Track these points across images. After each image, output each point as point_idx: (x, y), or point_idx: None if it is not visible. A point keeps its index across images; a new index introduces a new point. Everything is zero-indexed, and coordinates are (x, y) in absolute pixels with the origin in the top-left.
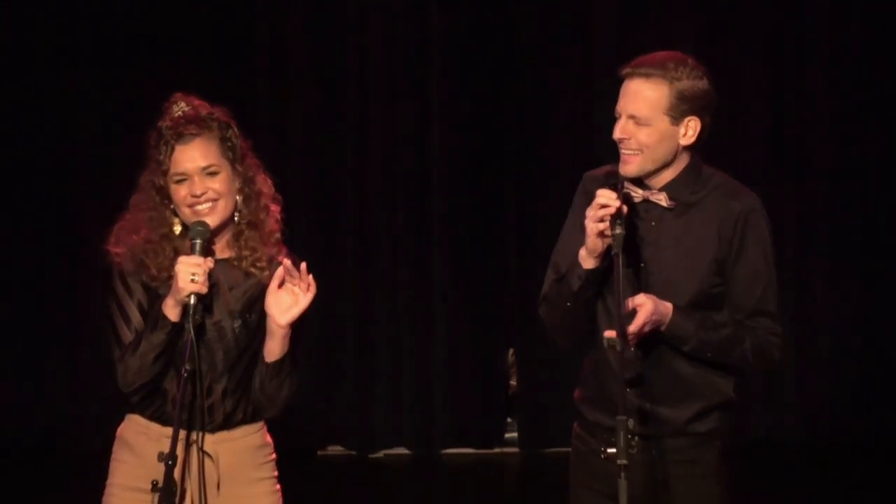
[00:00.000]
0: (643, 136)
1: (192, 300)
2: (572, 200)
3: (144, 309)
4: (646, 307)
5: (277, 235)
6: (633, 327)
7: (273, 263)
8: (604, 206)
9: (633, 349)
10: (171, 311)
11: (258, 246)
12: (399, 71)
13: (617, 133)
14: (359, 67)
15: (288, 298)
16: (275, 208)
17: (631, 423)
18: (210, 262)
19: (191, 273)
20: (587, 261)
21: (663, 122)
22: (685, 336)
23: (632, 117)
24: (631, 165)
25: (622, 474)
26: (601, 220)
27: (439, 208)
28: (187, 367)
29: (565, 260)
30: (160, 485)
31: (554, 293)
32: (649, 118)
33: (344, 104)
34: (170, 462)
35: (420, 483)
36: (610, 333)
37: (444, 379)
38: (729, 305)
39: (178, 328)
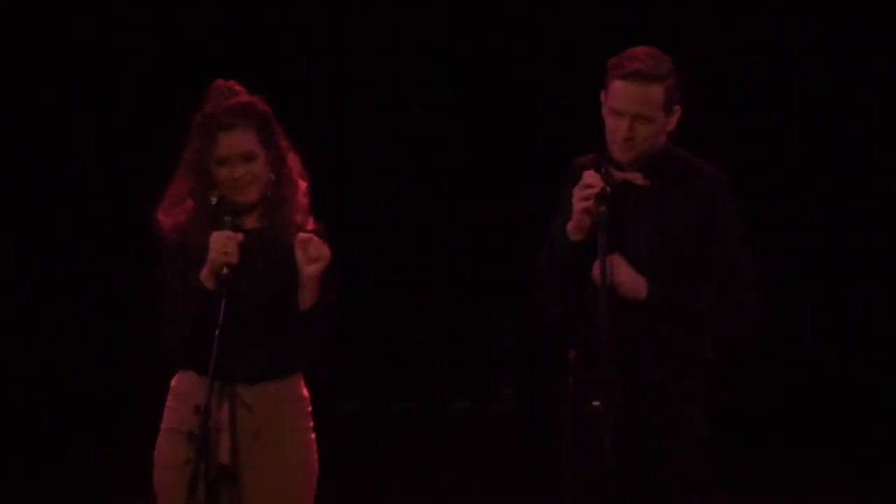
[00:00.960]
0: (648, 132)
1: (225, 270)
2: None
3: (184, 276)
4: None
5: (305, 206)
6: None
7: (301, 230)
8: (589, 186)
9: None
10: (208, 280)
11: (287, 217)
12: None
13: (625, 133)
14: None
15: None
16: (303, 184)
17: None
18: (240, 236)
19: (223, 246)
20: (574, 234)
21: (662, 118)
22: (661, 302)
23: (639, 117)
24: (633, 153)
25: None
26: (586, 198)
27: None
28: (221, 327)
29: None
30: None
31: (546, 262)
32: (653, 117)
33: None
34: (203, 413)
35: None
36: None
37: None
38: (705, 273)
39: (213, 294)
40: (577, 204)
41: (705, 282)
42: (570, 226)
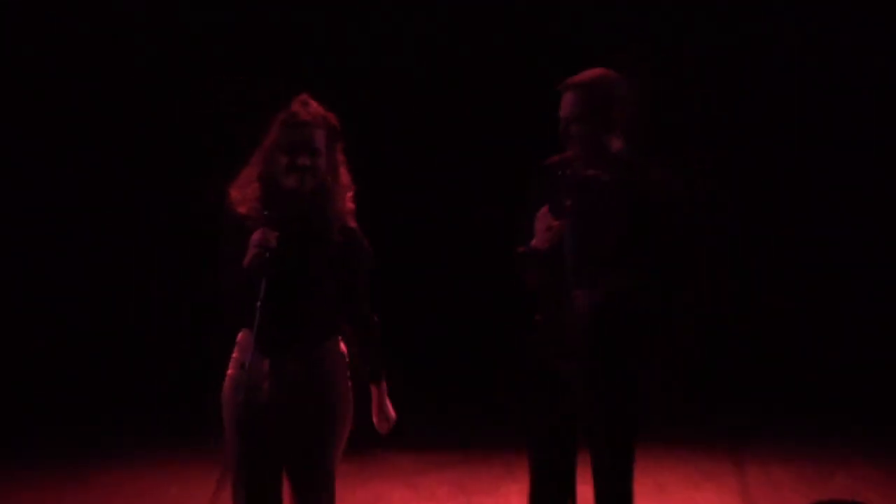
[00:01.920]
0: (583, 131)
1: (267, 254)
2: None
3: (240, 247)
4: None
5: (350, 210)
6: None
7: (344, 229)
8: (549, 229)
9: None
10: (250, 264)
11: (332, 215)
12: None
13: (561, 132)
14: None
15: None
16: (350, 194)
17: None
18: (276, 233)
19: (265, 239)
20: (539, 244)
21: (595, 120)
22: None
23: (572, 119)
24: (576, 149)
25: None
26: (548, 238)
27: None
28: (263, 300)
29: (529, 228)
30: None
31: (521, 257)
32: (586, 118)
33: None
34: (248, 370)
35: None
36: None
37: None
38: (644, 255)
39: (256, 273)
40: (541, 235)
41: (650, 264)
42: (534, 241)
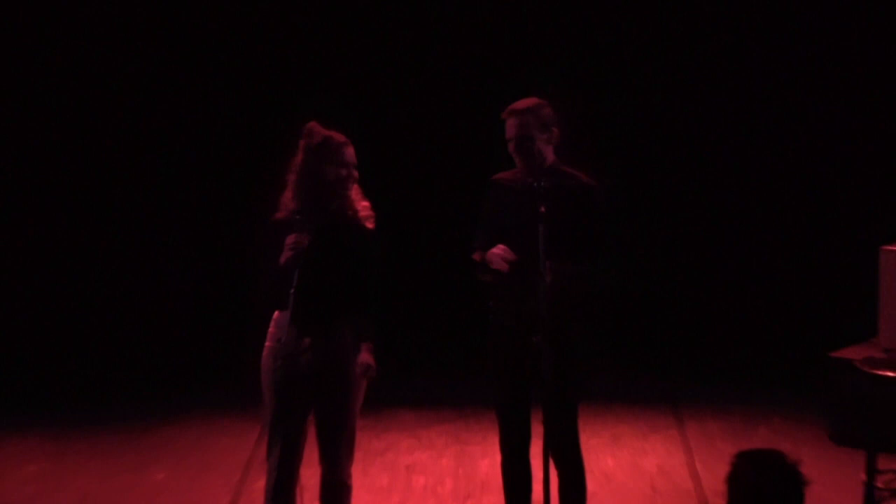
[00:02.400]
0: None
1: (300, 252)
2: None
3: (278, 244)
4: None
5: (369, 216)
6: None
7: (362, 230)
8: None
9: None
10: (288, 260)
11: (351, 221)
12: None
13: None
14: None
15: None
16: (366, 203)
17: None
18: (307, 236)
19: (299, 240)
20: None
21: (540, 137)
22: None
23: (518, 138)
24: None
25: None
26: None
27: None
28: (296, 287)
29: (484, 236)
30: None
31: (477, 265)
32: (532, 136)
33: None
34: (285, 345)
35: None
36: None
37: None
38: (584, 244)
39: (293, 266)
40: (496, 264)
41: (587, 253)
42: (496, 267)
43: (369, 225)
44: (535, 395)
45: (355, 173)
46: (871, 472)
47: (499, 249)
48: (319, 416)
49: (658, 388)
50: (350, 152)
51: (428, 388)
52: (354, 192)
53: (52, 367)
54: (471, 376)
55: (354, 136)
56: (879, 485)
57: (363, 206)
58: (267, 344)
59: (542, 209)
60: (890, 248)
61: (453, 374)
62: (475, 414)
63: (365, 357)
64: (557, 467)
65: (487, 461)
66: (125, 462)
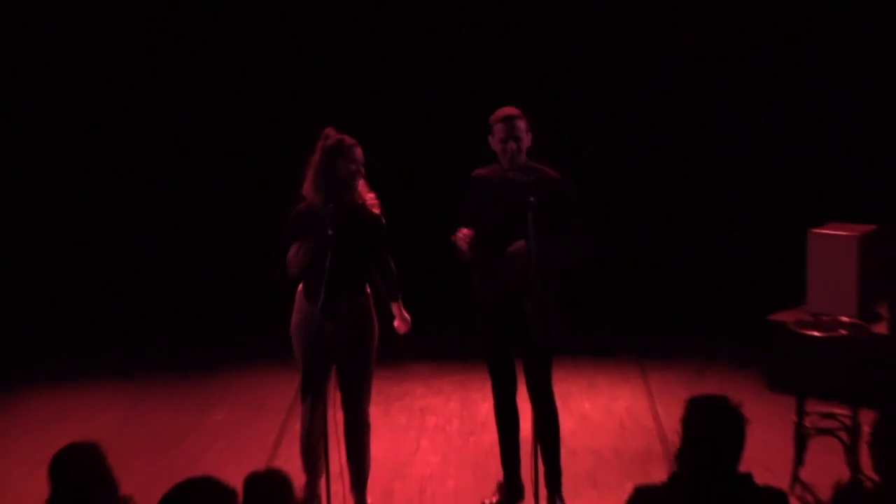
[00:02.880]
0: (524, 146)
1: (330, 234)
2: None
3: (304, 230)
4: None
5: (376, 203)
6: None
7: (372, 216)
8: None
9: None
10: (321, 242)
11: (363, 209)
12: None
13: (510, 145)
14: None
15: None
16: (372, 194)
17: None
18: (334, 224)
19: (327, 228)
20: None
21: (527, 139)
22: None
23: (518, 139)
24: (521, 158)
25: None
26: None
27: None
28: (330, 264)
29: (467, 222)
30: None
31: (458, 248)
32: (523, 138)
33: None
34: (319, 314)
35: None
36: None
37: None
38: (560, 225)
39: (325, 248)
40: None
41: (558, 233)
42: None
43: (376, 211)
44: (516, 350)
45: (362, 169)
46: (801, 413)
47: (461, 233)
48: (343, 369)
49: (627, 344)
50: (359, 152)
51: (438, 345)
52: (361, 185)
53: (127, 323)
54: (473, 334)
55: (362, 139)
56: (807, 424)
57: (370, 197)
58: (295, 314)
59: (532, 199)
60: (817, 230)
61: (459, 333)
62: (476, 366)
63: (403, 313)
64: (535, 408)
65: (486, 405)
66: (190, 405)
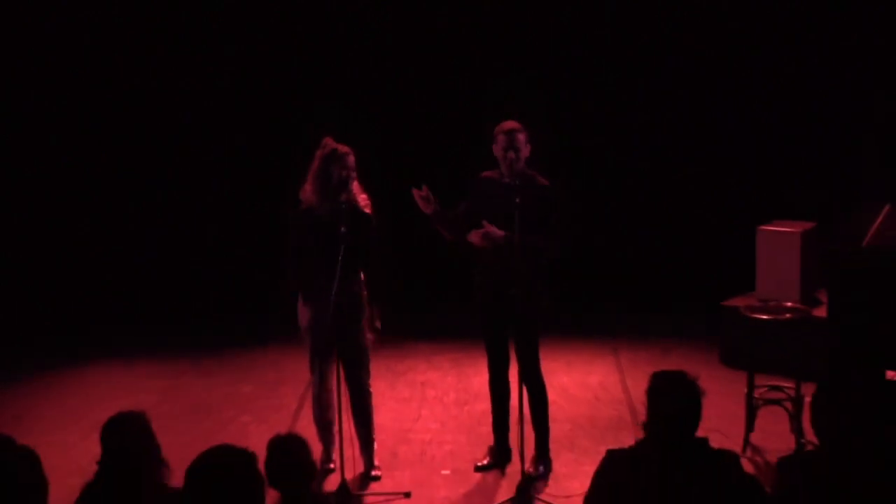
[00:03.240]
0: (522, 157)
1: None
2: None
3: (306, 230)
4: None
5: (368, 204)
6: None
7: (364, 216)
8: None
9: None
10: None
11: (358, 210)
12: None
13: (510, 155)
14: None
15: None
16: (364, 195)
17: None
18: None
19: (340, 226)
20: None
21: (525, 150)
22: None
23: (517, 150)
24: (519, 166)
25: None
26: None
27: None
28: (342, 257)
29: (467, 214)
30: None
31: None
32: (521, 149)
33: None
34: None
35: None
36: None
37: None
38: (545, 224)
39: (338, 244)
40: (477, 241)
41: (546, 231)
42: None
43: (368, 211)
44: (508, 331)
45: (354, 174)
46: (751, 386)
47: (479, 232)
48: (344, 348)
49: (601, 326)
50: (351, 159)
51: (438, 326)
52: (355, 188)
53: (164, 306)
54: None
55: (362, 139)
56: (756, 395)
57: (362, 198)
58: (304, 304)
59: (518, 200)
60: (764, 227)
61: (455, 316)
62: (472, 344)
63: (374, 321)
64: (525, 384)
65: (479, 379)
66: (221, 379)
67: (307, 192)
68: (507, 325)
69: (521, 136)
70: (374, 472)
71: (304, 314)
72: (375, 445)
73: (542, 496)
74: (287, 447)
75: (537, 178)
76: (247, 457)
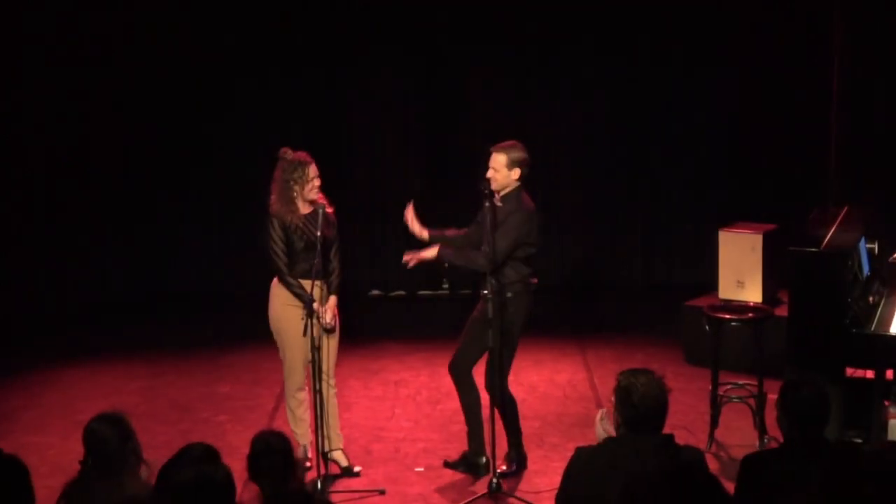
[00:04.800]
0: (498, 177)
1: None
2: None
3: (283, 237)
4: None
5: (328, 205)
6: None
7: (328, 216)
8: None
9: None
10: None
11: (324, 211)
12: None
13: (488, 174)
14: None
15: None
16: (324, 200)
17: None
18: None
19: (315, 229)
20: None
21: (504, 171)
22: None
23: (493, 168)
24: (493, 185)
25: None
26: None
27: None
28: (317, 256)
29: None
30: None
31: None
32: (500, 169)
33: None
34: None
35: None
36: None
37: None
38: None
39: (312, 249)
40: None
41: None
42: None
43: (329, 211)
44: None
45: (317, 181)
46: (715, 384)
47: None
48: (319, 346)
49: (568, 326)
50: (313, 167)
51: (412, 327)
52: (319, 194)
53: (145, 308)
54: (441, 318)
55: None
56: (720, 392)
57: (325, 203)
58: (276, 305)
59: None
60: (724, 230)
61: (427, 317)
62: (444, 345)
63: (333, 309)
64: (491, 393)
65: (450, 378)
66: (200, 379)
67: (274, 202)
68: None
69: (499, 158)
70: (355, 469)
71: (279, 307)
72: (344, 442)
73: (513, 493)
74: (270, 443)
75: (523, 200)
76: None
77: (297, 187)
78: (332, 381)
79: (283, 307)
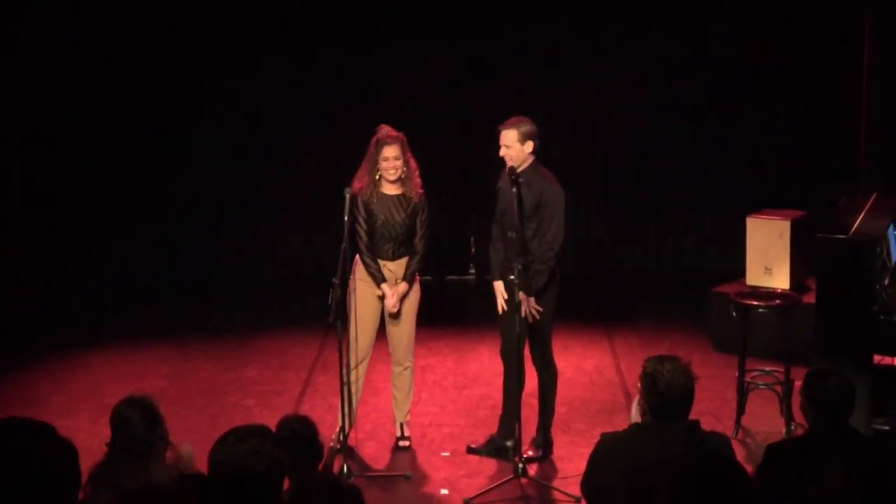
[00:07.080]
0: (512, 153)
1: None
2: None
3: (364, 216)
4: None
5: (419, 185)
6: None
7: (420, 196)
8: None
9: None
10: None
11: (410, 189)
12: None
13: (501, 152)
14: None
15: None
16: (418, 176)
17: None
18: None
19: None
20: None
21: (517, 146)
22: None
23: (505, 146)
24: (510, 163)
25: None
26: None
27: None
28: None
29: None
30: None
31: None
32: (512, 145)
33: None
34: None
35: None
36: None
37: None
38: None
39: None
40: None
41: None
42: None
43: (420, 190)
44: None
45: (395, 163)
46: (742, 370)
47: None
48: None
49: (596, 313)
50: (389, 148)
51: (438, 312)
52: (411, 172)
53: (173, 297)
54: (467, 304)
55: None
56: (747, 379)
57: (417, 183)
58: (357, 276)
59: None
60: (752, 217)
61: (454, 302)
62: (470, 331)
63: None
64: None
65: (476, 364)
66: (228, 363)
67: (361, 174)
68: (518, 314)
69: (513, 132)
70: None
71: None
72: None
73: (539, 478)
74: (294, 429)
75: (544, 177)
76: (262, 430)
77: (375, 166)
78: (406, 363)
79: (356, 282)
